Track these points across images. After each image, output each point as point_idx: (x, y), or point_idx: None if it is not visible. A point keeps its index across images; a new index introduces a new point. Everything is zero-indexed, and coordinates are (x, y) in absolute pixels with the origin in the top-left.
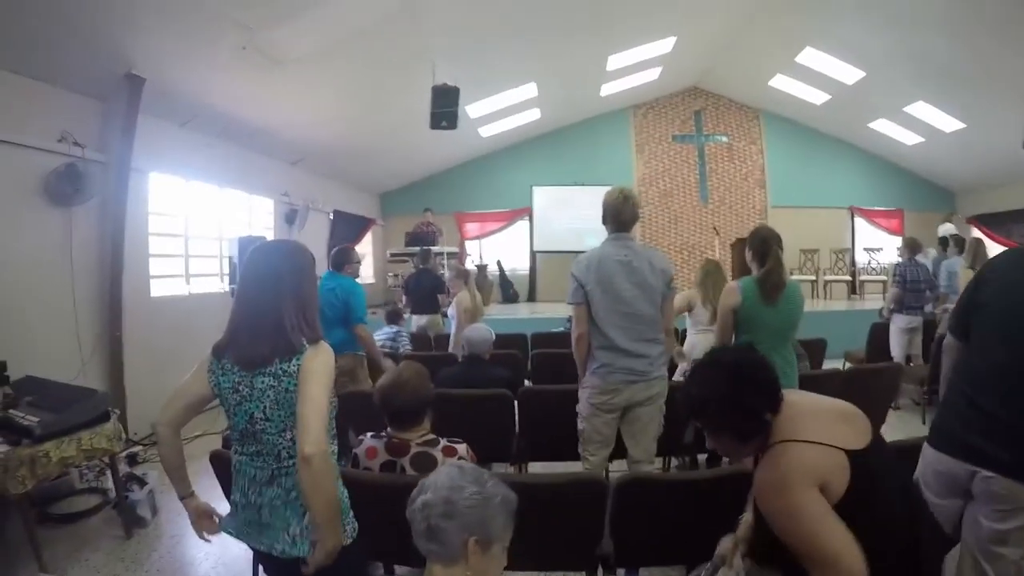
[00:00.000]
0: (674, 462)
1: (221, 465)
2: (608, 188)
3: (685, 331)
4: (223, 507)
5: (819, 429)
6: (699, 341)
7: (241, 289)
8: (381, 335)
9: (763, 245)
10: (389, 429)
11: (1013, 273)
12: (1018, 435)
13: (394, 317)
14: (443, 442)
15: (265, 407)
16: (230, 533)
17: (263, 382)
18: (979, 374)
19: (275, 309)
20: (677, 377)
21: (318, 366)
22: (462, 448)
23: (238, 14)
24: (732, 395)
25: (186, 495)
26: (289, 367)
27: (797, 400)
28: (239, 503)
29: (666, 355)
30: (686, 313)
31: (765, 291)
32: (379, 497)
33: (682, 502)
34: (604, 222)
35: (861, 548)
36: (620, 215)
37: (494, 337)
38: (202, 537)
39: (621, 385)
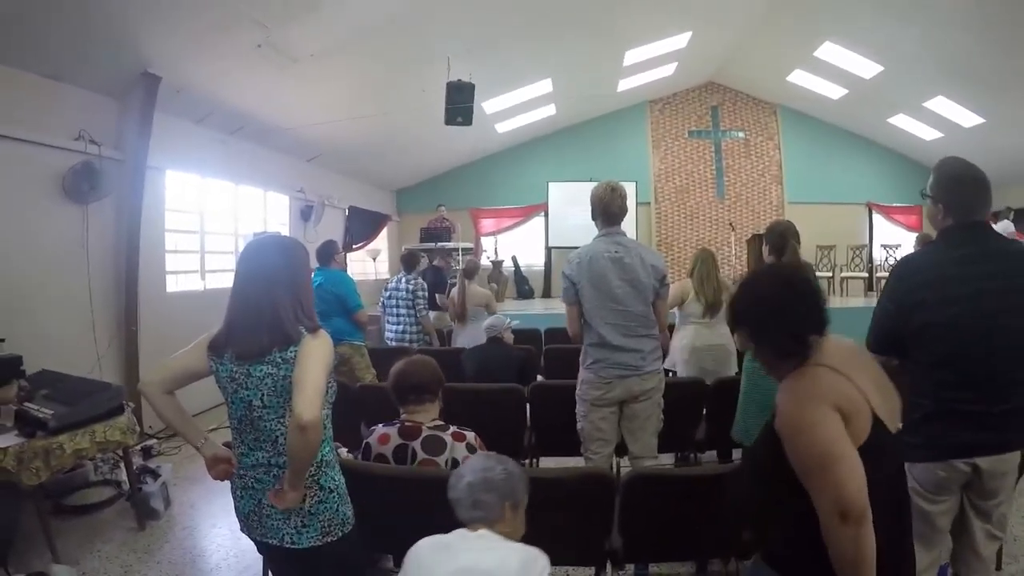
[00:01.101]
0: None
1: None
2: (622, 182)
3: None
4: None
5: (858, 374)
6: (690, 333)
7: (236, 284)
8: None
9: (780, 239)
10: (402, 415)
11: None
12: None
13: (411, 262)
14: (452, 428)
15: (263, 394)
16: (241, 528)
17: (261, 370)
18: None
19: (271, 302)
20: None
21: (316, 348)
22: (470, 435)
23: (253, 12)
24: (780, 307)
25: (199, 444)
26: (287, 355)
27: (848, 345)
28: (239, 495)
29: (660, 349)
30: (676, 309)
31: None
32: (391, 488)
33: (690, 498)
34: (593, 217)
35: None
36: (609, 207)
37: (510, 322)
38: (215, 478)
39: (615, 379)
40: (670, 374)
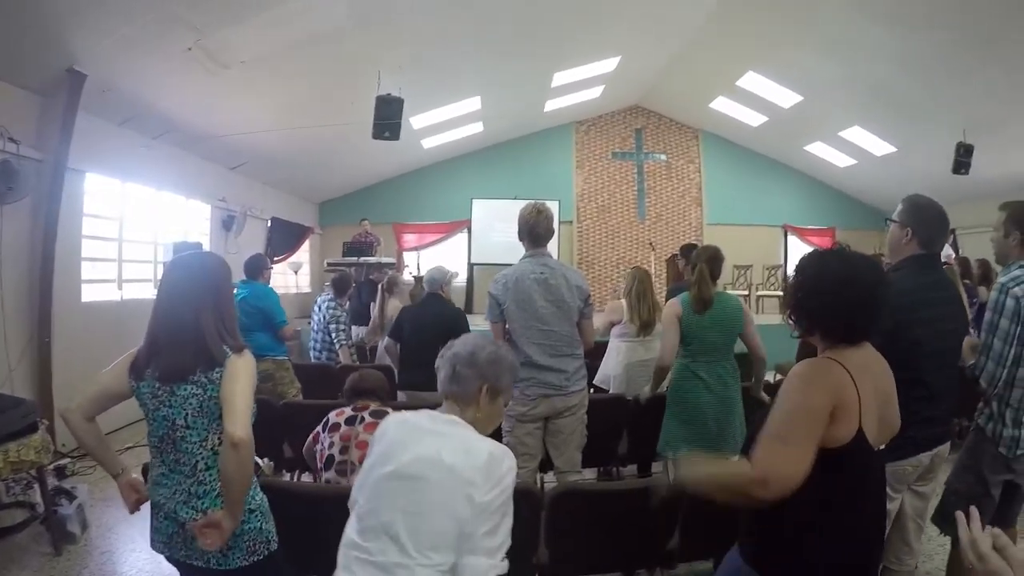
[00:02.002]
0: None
1: None
2: (545, 201)
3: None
4: None
5: (865, 382)
6: (624, 350)
7: (159, 302)
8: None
9: (692, 261)
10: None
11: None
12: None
13: (341, 287)
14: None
15: (187, 414)
16: (158, 550)
17: (186, 390)
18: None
19: (195, 322)
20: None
21: (241, 368)
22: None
23: (187, 14)
24: (837, 290)
25: (117, 473)
26: (213, 375)
27: (875, 357)
28: (161, 515)
29: (584, 368)
30: (611, 327)
31: (694, 304)
32: (316, 505)
33: (614, 511)
34: (520, 238)
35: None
36: (535, 229)
37: (451, 273)
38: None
39: (540, 398)
40: (607, 390)
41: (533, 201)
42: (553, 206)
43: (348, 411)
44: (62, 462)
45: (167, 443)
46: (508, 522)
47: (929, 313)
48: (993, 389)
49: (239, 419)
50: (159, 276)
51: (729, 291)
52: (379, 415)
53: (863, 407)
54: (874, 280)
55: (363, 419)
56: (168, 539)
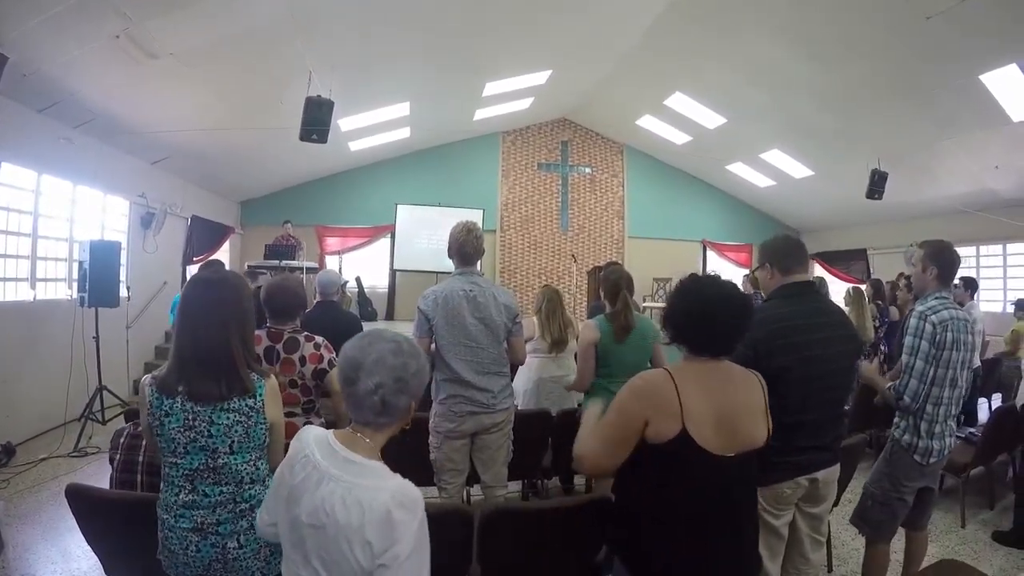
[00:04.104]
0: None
1: (79, 501)
2: (469, 209)
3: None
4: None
5: (693, 390)
6: (535, 366)
7: (185, 321)
8: None
9: (614, 287)
10: (268, 322)
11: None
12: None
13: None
14: (305, 333)
15: (232, 442)
16: None
17: (228, 418)
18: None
19: (225, 348)
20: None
21: (281, 415)
22: (319, 339)
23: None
24: (683, 306)
25: None
26: (255, 403)
27: (727, 372)
28: (193, 544)
29: (511, 387)
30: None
31: (615, 331)
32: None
33: (545, 528)
34: (450, 256)
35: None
36: (464, 247)
37: (342, 279)
38: None
39: (466, 415)
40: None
41: (464, 220)
42: (477, 214)
43: (264, 339)
44: None
45: (203, 472)
46: (424, 557)
47: (802, 339)
48: (915, 404)
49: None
50: (74, 276)
51: (647, 302)
52: (293, 347)
53: (685, 411)
54: (715, 297)
55: (279, 355)
56: (205, 569)
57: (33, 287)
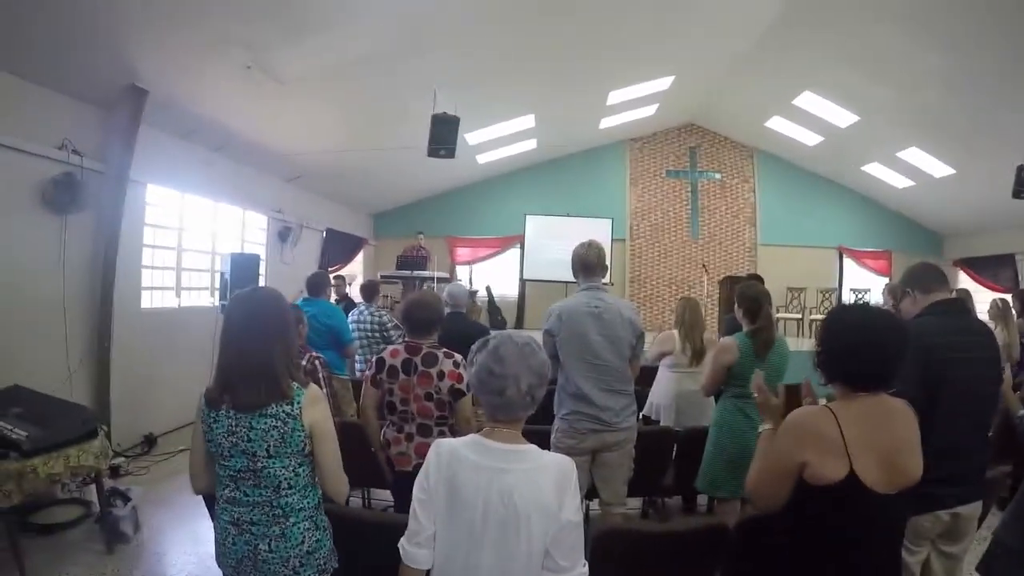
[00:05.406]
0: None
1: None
2: (598, 219)
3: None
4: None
5: (856, 428)
6: (674, 380)
7: (231, 335)
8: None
9: (754, 303)
10: (407, 336)
11: None
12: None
13: (370, 292)
14: (444, 349)
15: (270, 446)
16: (227, 574)
17: (265, 423)
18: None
19: (265, 355)
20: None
21: (325, 421)
22: (458, 356)
23: (244, 33)
24: (844, 346)
25: None
26: (292, 410)
27: (886, 405)
28: (231, 537)
29: (634, 404)
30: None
31: (756, 348)
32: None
33: (659, 553)
34: (574, 275)
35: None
36: (585, 259)
37: (471, 289)
38: None
39: (588, 432)
40: (657, 420)
41: (588, 239)
42: (606, 223)
43: (403, 352)
44: (116, 461)
45: (245, 474)
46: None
47: (957, 356)
48: None
49: (337, 481)
50: (216, 285)
51: (781, 314)
52: (431, 361)
53: (851, 450)
54: (885, 326)
55: (416, 367)
56: (237, 563)
57: (178, 295)
